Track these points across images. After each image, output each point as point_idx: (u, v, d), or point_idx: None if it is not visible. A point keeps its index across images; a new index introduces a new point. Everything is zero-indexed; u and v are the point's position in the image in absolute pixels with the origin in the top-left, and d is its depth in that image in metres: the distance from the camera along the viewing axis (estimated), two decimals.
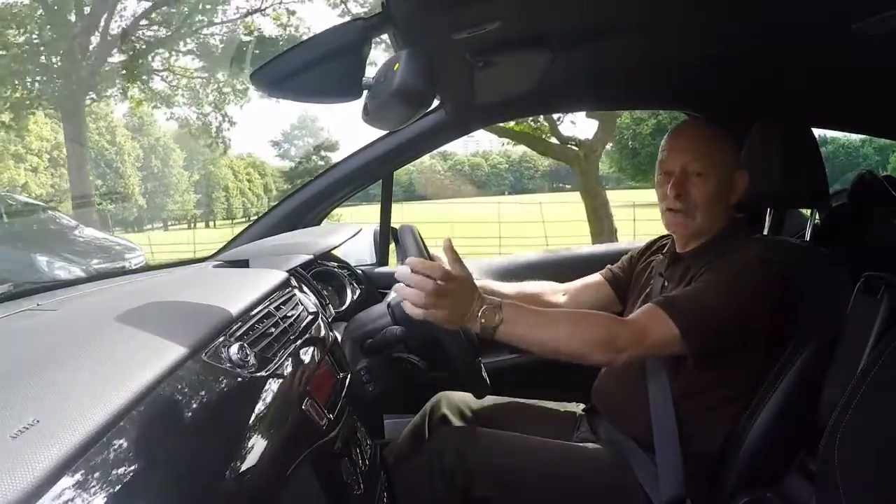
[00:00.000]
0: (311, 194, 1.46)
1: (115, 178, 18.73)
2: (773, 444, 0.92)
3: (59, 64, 9.19)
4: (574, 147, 6.49)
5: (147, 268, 1.36)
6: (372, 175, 1.49)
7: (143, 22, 9.44)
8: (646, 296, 1.06)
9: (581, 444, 1.03)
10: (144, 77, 9.50)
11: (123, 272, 1.33)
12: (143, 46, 9.48)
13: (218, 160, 20.82)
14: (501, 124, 5.80)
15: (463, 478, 0.92)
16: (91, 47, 9.33)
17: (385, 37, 0.78)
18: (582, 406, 1.14)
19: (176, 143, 20.12)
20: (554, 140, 6.63)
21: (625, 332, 0.86)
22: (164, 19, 9.46)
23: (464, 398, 1.12)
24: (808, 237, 1.23)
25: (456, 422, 1.08)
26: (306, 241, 1.20)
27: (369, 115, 0.73)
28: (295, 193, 1.49)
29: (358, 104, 0.72)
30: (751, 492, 0.92)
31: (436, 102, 1.32)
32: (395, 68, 0.65)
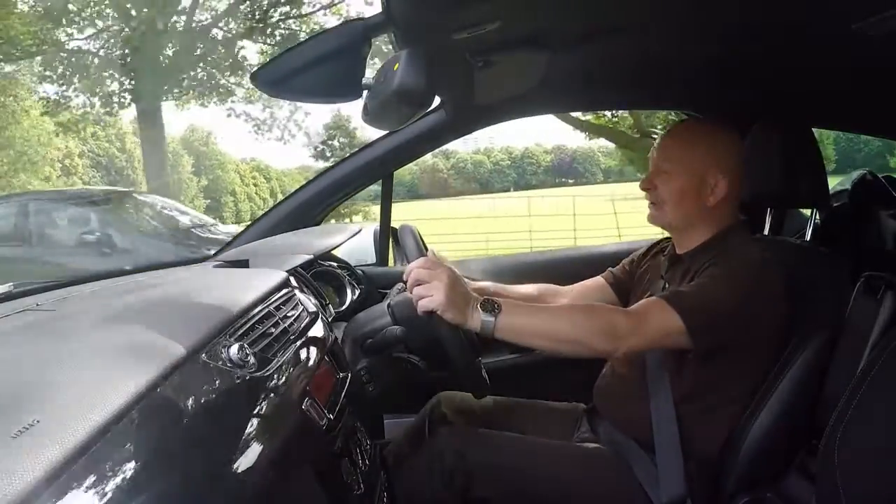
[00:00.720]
0: (311, 194, 1.46)
1: (127, 185, 18.94)
2: (773, 444, 0.92)
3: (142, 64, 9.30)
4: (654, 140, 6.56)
5: (147, 268, 1.36)
6: (372, 175, 1.49)
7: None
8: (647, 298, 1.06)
9: (581, 444, 1.03)
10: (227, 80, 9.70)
11: (123, 272, 1.33)
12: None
13: (225, 164, 20.81)
14: (580, 116, 5.84)
15: (463, 478, 0.92)
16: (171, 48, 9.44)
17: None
18: (582, 406, 1.14)
19: (184, 149, 20.12)
20: (634, 134, 6.68)
21: (626, 321, 0.86)
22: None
23: (464, 398, 1.12)
24: (808, 237, 1.23)
25: (456, 422, 1.08)
26: (306, 241, 1.20)
27: (369, 115, 0.73)
28: (295, 193, 1.48)
29: None
30: (751, 492, 0.92)
31: (436, 102, 1.32)
32: (395, 68, 0.65)
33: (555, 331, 0.86)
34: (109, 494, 0.41)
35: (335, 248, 1.34)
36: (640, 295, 1.09)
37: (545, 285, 1.22)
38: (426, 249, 1.01)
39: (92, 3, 9.26)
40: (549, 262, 1.68)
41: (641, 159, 6.62)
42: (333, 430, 0.76)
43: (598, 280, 1.19)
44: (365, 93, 0.72)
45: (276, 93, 0.74)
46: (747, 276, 0.89)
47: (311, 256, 1.15)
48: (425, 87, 0.65)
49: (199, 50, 9.73)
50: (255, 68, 0.71)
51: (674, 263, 1.03)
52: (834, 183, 1.49)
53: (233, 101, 10.69)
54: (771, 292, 0.90)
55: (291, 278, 1.02)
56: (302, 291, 1.02)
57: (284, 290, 0.92)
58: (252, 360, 0.65)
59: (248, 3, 9.38)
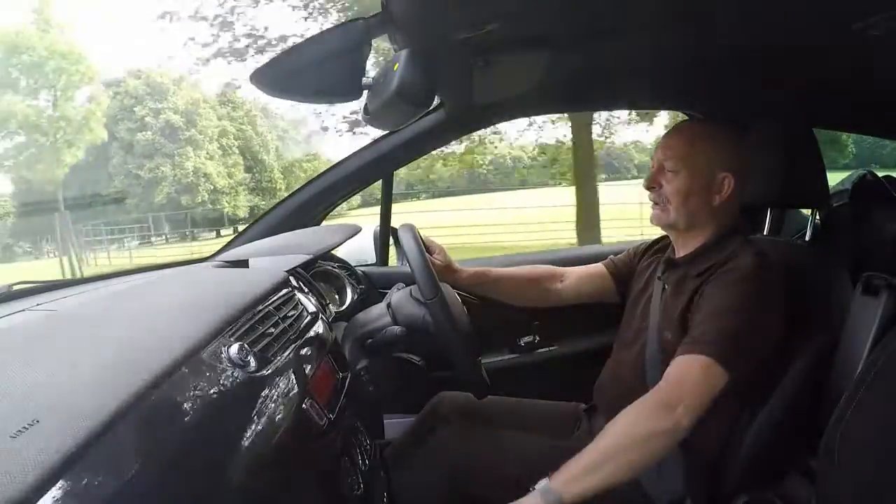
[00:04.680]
0: (311, 194, 1.46)
1: (261, 172, 20.14)
2: (773, 443, 0.92)
3: None
4: None
5: (147, 268, 1.36)
6: (372, 175, 1.49)
7: None
8: (647, 298, 1.06)
9: (581, 444, 1.03)
10: None
11: (123, 272, 1.33)
12: None
13: (276, 162, 20.91)
14: None
15: (463, 478, 0.92)
16: None
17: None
18: (582, 405, 1.14)
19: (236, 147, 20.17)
20: None
21: (666, 391, 0.83)
22: None
23: (464, 398, 1.12)
24: (808, 237, 1.22)
25: (456, 422, 1.08)
26: (306, 241, 1.20)
27: (369, 115, 0.73)
28: (295, 193, 1.48)
29: None
30: (751, 491, 0.92)
31: (436, 102, 1.32)
32: (395, 68, 0.65)
33: (618, 445, 0.80)
34: (109, 494, 0.41)
35: (335, 248, 1.34)
36: (640, 292, 1.09)
37: (543, 266, 1.23)
38: (426, 249, 1.01)
39: None
40: (550, 262, 1.68)
41: None
42: (333, 430, 0.76)
43: (599, 267, 1.19)
44: (365, 93, 0.72)
45: (275, 93, 0.74)
46: (753, 293, 0.88)
47: (311, 256, 1.15)
48: (425, 87, 0.65)
49: None
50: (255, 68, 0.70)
51: (671, 267, 1.03)
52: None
53: None
54: (776, 300, 0.90)
55: (291, 278, 1.02)
56: (302, 291, 1.02)
57: (284, 290, 0.92)
58: (252, 360, 0.65)
59: None
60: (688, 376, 0.83)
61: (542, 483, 0.79)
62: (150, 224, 17.98)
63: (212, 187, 19.03)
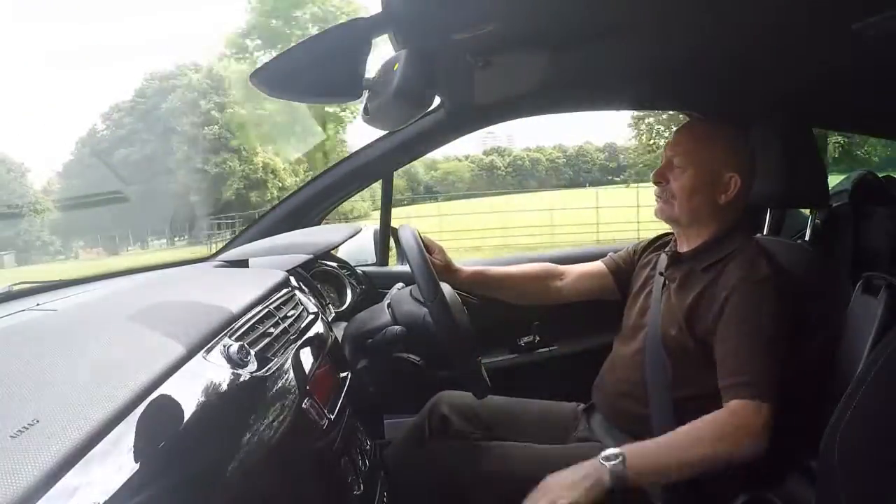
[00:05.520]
0: (311, 194, 1.46)
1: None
2: (773, 443, 0.92)
3: None
4: None
5: (147, 267, 1.36)
6: (372, 175, 1.49)
7: None
8: (647, 294, 1.06)
9: (580, 445, 1.03)
10: None
11: (123, 272, 1.33)
12: None
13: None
14: None
15: (462, 478, 0.92)
16: None
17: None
18: (581, 405, 1.14)
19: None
20: None
21: (755, 424, 0.86)
22: None
23: (464, 398, 1.12)
24: (808, 237, 1.23)
25: (456, 422, 1.08)
26: (306, 241, 1.20)
27: (369, 115, 0.73)
28: (295, 193, 1.49)
29: None
30: (751, 492, 0.92)
31: (436, 102, 1.32)
32: (395, 68, 0.65)
33: (694, 468, 0.86)
34: (109, 494, 0.41)
35: (335, 247, 1.34)
36: (640, 289, 1.09)
37: (542, 264, 1.23)
38: (426, 249, 1.01)
39: None
40: (550, 261, 1.68)
41: None
42: (333, 430, 0.76)
43: (599, 266, 1.19)
44: (365, 93, 0.71)
45: (275, 92, 0.74)
46: (768, 310, 0.90)
47: (311, 256, 1.15)
48: (425, 87, 0.65)
49: None
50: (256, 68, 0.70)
51: (674, 262, 1.03)
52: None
53: None
54: (786, 307, 0.91)
55: (291, 278, 1.02)
56: (302, 291, 1.02)
57: (284, 290, 0.92)
58: (252, 359, 0.65)
59: None
60: (746, 416, 0.86)
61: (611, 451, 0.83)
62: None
63: (280, 184, 18.75)
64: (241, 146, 18.16)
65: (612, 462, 0.81)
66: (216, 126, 18.07)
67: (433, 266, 0.98)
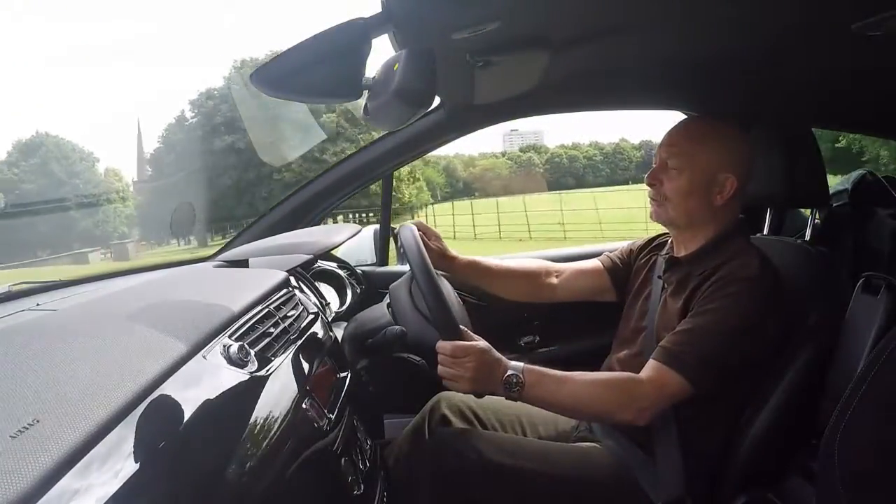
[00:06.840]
0: (311, 194, 1.46)
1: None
2: (773, 444, 0.92)
3: None
4: None
5: (147, 267, 1.36)
6: (372, 175, 1.49)
7: None
8: (646, 297, 1.05)
9: (580, 444, 1.03)
10: None
11: (124, 272, 1.33)
12: None
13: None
14: None
15: (463, 478, 0.92)
16: None
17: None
18: None
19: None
20: None
21: (645, 393, 0.88)
22: None
23: (464, 398, 1.12)
24: (808, 237, 1.23)
25: (456, 422, 1.08)
26: (306, 241, 1.20)
27: (369, 115, 0.73)
28: (295, 193, 1.49)
29: None
30: (751, 492, 0.92)
31: (436, 102, 1.32)
32: (395, 68, 0.65)
33: (577, 407, 0.92)
34: (110, 494, 0.41)
35: (335, 248, 1.34)
36: (639, 290, 1.09)
37: (537, 261, 1.23)
38: (426, 250, 1.01)
39: None
40: (549, 260, 1.68)
41: None
42: (333, 430, 0.76)
43: (595, 264, 1.19)
44: (365, 93, 0.71)
45: (275, 92, 0.74)
46: (749, 305, 0.88)
47: (311, 256, 1.15)
48: (425, 87, 0.65)
49: None
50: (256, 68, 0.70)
51: (672, 266, 1.02)
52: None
53: None
54: (775, 307, 0.90)
55: (291, 278, 1.02)
56: (302, 291, 1.02)
57: (284, 290, 0.92)
58: (252, 359, 0.65)
59: None
60: (665, 389, 0.88)
61: (517, 367, 0.90)
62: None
63: (397, 174, 18.77)
64: (358, 136, 17.97)
65: (511, 390, 0.89)
66: (333, 114, 17.93)
67: (429, 252, 0.99)
